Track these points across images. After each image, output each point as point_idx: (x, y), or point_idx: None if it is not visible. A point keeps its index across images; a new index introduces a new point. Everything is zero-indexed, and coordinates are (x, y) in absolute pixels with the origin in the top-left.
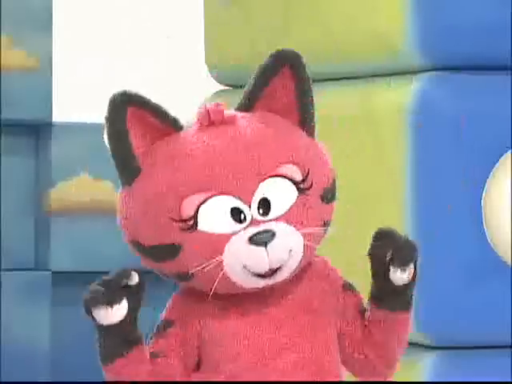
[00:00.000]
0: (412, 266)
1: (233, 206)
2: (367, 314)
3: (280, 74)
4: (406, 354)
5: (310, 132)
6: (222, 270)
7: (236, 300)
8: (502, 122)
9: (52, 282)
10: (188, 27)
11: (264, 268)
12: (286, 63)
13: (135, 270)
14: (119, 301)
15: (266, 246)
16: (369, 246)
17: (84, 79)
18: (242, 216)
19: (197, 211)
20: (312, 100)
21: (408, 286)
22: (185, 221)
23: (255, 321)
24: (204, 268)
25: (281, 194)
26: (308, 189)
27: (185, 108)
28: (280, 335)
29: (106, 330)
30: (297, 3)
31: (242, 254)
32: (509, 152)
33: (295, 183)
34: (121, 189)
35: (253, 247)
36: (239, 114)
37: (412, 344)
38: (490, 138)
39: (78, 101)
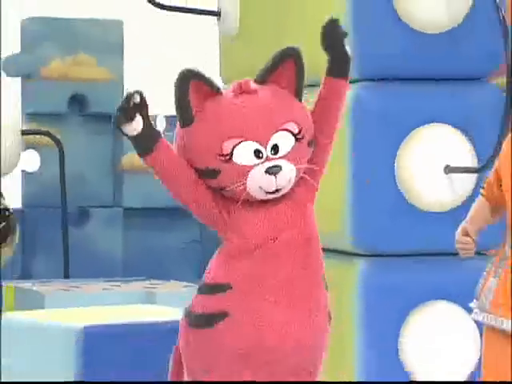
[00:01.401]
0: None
1: (255, 148)
2: (321, 90)
3: (287, 62)
4: (341, 261)
5: (300, 99)
6: (245, 188)
7: (251, 203)
8: (406, 114)
9: (123, 215)
10: (209, 53)
11: (272, 189)
12: (292, 54)
13: (137, 91)
14: (134, 116)
15: (275, 175)
16: (325, 33)
17: (143, 85)
18: (261, 155)
19: (232, 150)
20: (303, 79)
21: (349, 58)
22: (224, 155)
23: (264, 212)
24: (236, 187)
25: (285, 141)
26: (301, 139)
27: None
28: (280, 218)
29: (135, 138)
30: (284, 38)
31: (260, 179)
32: (410, 133)
33: (293, 135)
34: (178, 129)
35: (267, 176)
36: (258, 86)
37: (346, 253)
38: (398, 124)
39: None
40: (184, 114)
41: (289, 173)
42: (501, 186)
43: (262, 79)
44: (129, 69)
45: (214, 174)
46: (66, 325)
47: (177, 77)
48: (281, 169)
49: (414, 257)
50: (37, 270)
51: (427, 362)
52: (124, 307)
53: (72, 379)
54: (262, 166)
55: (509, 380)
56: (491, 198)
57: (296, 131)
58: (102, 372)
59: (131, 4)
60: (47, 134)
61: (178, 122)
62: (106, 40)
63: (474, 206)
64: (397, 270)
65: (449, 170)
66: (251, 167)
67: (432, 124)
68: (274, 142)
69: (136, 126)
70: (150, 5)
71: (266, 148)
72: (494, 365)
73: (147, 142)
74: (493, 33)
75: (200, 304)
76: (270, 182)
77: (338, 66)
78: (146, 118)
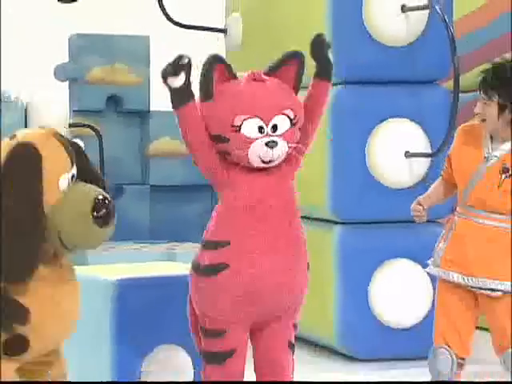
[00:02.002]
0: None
1: (259, 124)
2: (309, 91)
3: (292, 62)
4: (322, 227)
5: (297, 93)
6: (246, 155)
7: (250, 169)
8: (374, 110)
9: (150, 191)
10: None
11: (268, 159)
12: (297, 57)
13: (186, 56)
14: (179, 72)
15: (272, 148)
16: (313, 46)
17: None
18: (263, 131)
19: (242, 123)
20: (302, 78)
21: (331, 64)
22: (234, 127)
23: (256, 180)
24: (241, 153)
25: (283, 123)
26: (295, 124)
27: None
28: (267, 187)
29: (175, 90)
30: (277, 52)
31: (259, 150)
32: (377, 125)
33: (290, 119)
34: (200, 103)
35: (265, 148)
36: (266, 77)
37: (326, 221)
38: (368, 118)
39: (162, 99)
40: (206, 90)
41: (282, 148)
42: (452, 167)
43: (270, 72)
44: (154, 75)
45: (224, 140)
46: (103, 278)
47: (205, 59)
48: (277, 144)
49: (380, 224)
50: None
51: (391, 307)
52: (150, 264)
53: (108, 323)
54: (262, 139)
55: (455, 318)
56: (447, 178)
57: (292, 117)
58: (132, 316)
59: (156, 23)
60: (89, 126)
61: (200, 96)
62: (135, 52)
63: (433, 185)
64: (366, 234)
65: (408, 155)
66: (254, 139)
67: (395, 118)
68: (275, 123)
69: (179, 80)
70: (170, 23)
71: (267, 126)
72: (445, 307)
73: (184, 96)
74: (443, 46)
75: (206, 257)
76: (268, 153)
77: (324, 70)
78: (187, 77)
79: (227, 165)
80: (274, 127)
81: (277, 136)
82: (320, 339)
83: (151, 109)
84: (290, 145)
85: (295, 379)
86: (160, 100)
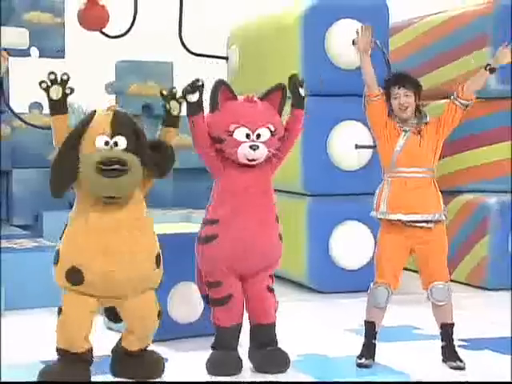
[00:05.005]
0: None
1: (247, 132)
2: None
3: (277, 91)
4: (296, 198)
5: (280, 114)
6: (236, 153)
7: (239, 165)
8: (333, 114)
9: (173, 172)
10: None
11: (251, 157)
12: (281, 88)
13: (201, 80)
14: (196, 91)
15: (255, 150)
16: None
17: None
18: (249, 137)
19: (234, 130)
20: (285, 104)
21: (303, 97)
22: (228, 131)
23: (243, 173)
24: (232, 151)
25: (265, 133)
26: (274, 135)
27: None
28: (250, 179)
29: (191, 104)
30: (265, 77)
31: (245, 150)
32: (335, 125)
33: (270, 131)
34: (208, 113)
35: (250, 150)
36: (258, 100)
37: (299, 193)
38: (329, 120)
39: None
40: (213, 105)
41: (263, 151)
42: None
43: (261, 97)
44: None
45: (220, 141)
46: None
47: (214, 82)
48: (258, 147)
49: (337, 196)
50: None
51: (344, 254)
52: (172, 224)
53: None
54: (248, 143)
55: (392, 257)
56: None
57: (273, 129)
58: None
59: (177, 52)
60: None
61: (209, 109)
62: (162, 73)
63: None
64: (328, 203)
65: (357, 146)
66: (242, 142)
67: (348, 121)
68: (259, 132)
69: (195, 97)
70: (187, 52)
71: (253, 134)
72: (385, 249)
73: (196, 109)
74: (382, 68)
75: (204, 231)
76: (250, 153)
77: (297, 102)
78: (201, 95)
79: (222, 160)
80: (258, 136)
81: (259, 142)
82: (294, 277)
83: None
84: (269, 149)
85: (278, 313)
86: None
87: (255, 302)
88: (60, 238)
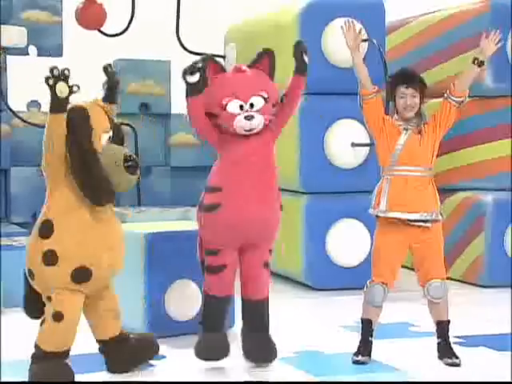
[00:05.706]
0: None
1: (240, 104)
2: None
3: (266, 56)
4: (295, 196)
5: (272, 79)
6: (232, 126)
7: (238, 135)
8: (330, 112)
9: (171, 171)
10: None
11: (247, 128)
12: (269, 52)
13: (203, 62)
14: (195, 73)
15: (250, 120)
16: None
17: (183, 97)
18: (243, 108)
19: (227, 103)
20: (275, 67)
21: (306, 63)
22: (222, 106)
23: (241, 143)
24: (228, 125)
25: (258, 102)
26: (268, 102)
27: None
28: (250, 147)
29: (190, 85)
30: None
31: (241, 122)
32: (332, 123)
33: (264, 98)
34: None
35: (245, 120)
36: (247, 69)
37: (297, 192)
38: (326, 118)
39: (179, 105)
40: (203, 81)
41: (259, 120)
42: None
43: (251, 64)
44: (174, 88)
45: (215, 116)
46: (137, 232)
47: (200, 58)
48: (253, 117)
49: (334, 193)
50: (123, 201)
51: (341, 251)
52: (171, 222)
53: (141, 265)
54: (243, 114)
55: (389, 255)
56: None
57: (266, 96)
58: (159, 260)
59: (175, 51)
60: (127, 124)
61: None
62: (160, 72)
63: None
64: (324, 200)
65: (353, 144)
66: (237, 115)
67: (344, 119)
68: (251, 102)
69: (194, 79)
70: (184, 51)
71: (246, 104)
72: (382, 247)
73: (196, 91)
74: (378, 66)
75: (206, 198)
76: (247, 124)
77: (300, 67)
78: (202, 77)
79: (221, 133)
80: (251, 105)
81: (254, 112)
82: (290, 274)
83: (171, 112)
84: (265, 117)
85: (274, 304)
86: (177, 106)
87: (250, 277)
88: (46, 238)
